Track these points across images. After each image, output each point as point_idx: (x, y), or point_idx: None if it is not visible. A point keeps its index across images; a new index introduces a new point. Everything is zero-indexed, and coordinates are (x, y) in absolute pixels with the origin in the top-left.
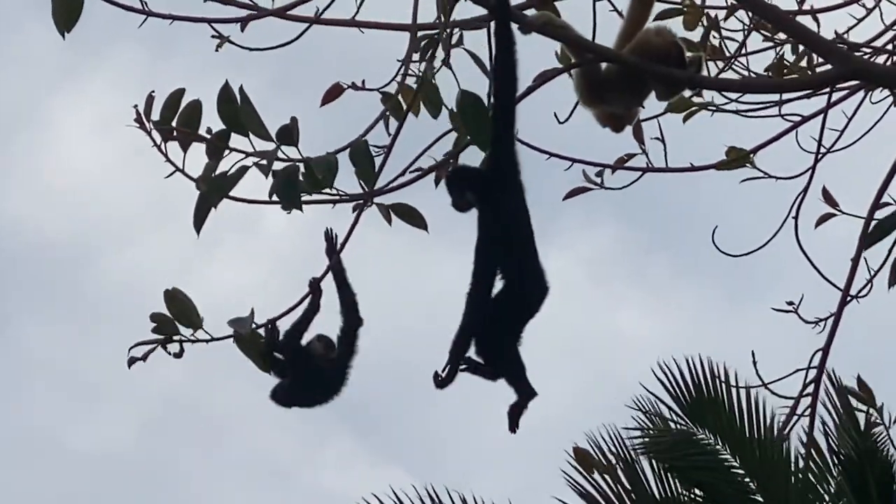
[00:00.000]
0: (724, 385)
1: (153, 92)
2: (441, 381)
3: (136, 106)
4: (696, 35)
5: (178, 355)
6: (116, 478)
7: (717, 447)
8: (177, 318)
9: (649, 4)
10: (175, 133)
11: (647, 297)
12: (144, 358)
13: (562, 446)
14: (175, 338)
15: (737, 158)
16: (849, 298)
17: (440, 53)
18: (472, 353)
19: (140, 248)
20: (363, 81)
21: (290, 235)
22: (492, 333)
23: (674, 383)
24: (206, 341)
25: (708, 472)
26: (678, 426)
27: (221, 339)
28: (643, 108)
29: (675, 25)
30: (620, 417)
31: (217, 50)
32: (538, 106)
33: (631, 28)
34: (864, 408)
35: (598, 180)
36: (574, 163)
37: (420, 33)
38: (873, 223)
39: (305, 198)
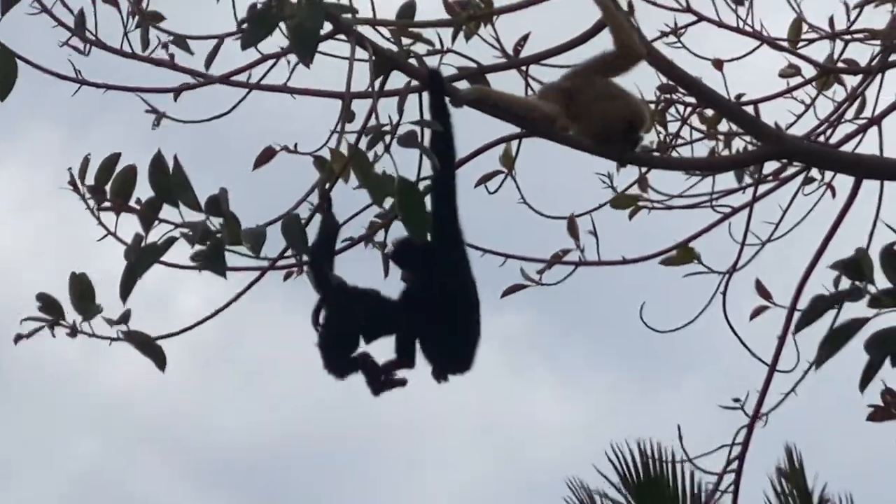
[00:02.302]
0: (662, 464)
1: (89, 155)
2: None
3: (70, 168)
4: None
5: (72, 335)
6: None
7: None
8: (74, 301)
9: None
10: (109, 200)
11: (561, 380)
12: (29, 336)
13: None
14: (62, 322)
15: (684, 255)
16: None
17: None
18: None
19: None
20: (295, 145)
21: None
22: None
23: (622, 466)
24: (99, 336)
25: None
26: None
27: (115, 340)
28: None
29: None
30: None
31: (154, 128)
32: (467, 194)
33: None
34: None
35: (537, 277)
36: (508, 258)
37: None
38: (796, 314)
39: (238, 263)
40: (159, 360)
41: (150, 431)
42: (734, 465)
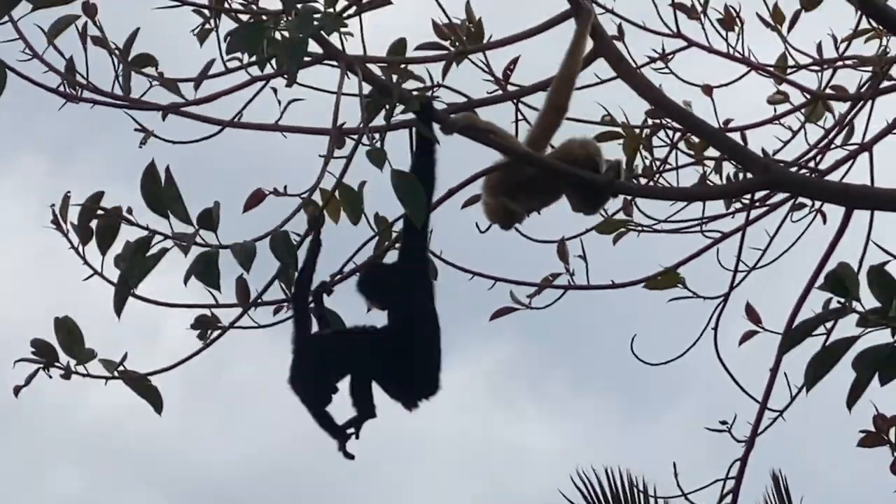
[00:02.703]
0: (644, 496)
1: (69, 192)
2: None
3: (52, 206)
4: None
5: (66, 377)
6: None
7: None
8: (63, 346)
9: (562, 112)
10: (94, 234)
11: (547, 410)
12: (27, 383)
13: None
14: (56, 364)
15: (668, 280)
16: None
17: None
18: None
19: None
20: (285, 187)
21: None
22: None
23: (592, 495)
24: (93, 376)
25: None
26: None
27: (111, 379)
28: (539, 213)
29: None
30: None
31: (141, 146)
32: (456, 220)
33: (539, 133)
34: None
35: (526, 301)
36: (497, 281)
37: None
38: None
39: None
40: (155, 401)
41: (135, 463)
42: (728, 500)
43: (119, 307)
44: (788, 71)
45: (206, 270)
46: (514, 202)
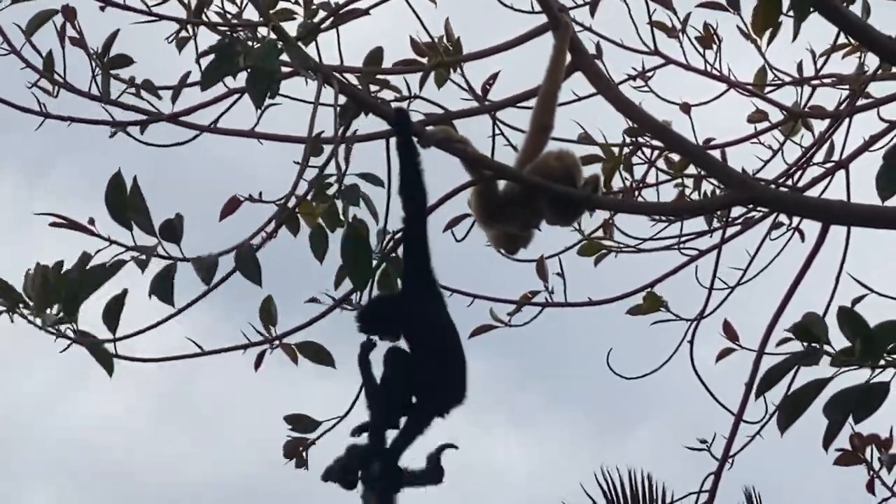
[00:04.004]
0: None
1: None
2: None
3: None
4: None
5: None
6: None
7: None
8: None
9: (548, 131)
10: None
11: (520, 426)
12: None
13: None
14: (19, 309)
15: (651, 304)
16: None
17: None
18: None
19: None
20: (260, 194)
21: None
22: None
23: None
24: (49, 331)
25: None
26: None
27: (61, 337)
28: (539, 230)
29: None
30: None
31: (111, 137)
32: (435, 234)
33: (528, 154)
34: None
35: (506, 319)
36: (475, 298)
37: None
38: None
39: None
40: (107, 364)
41: (109, 476)
42: None
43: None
44: (767, 89)
45: (161, 285)
46: (504, 224)
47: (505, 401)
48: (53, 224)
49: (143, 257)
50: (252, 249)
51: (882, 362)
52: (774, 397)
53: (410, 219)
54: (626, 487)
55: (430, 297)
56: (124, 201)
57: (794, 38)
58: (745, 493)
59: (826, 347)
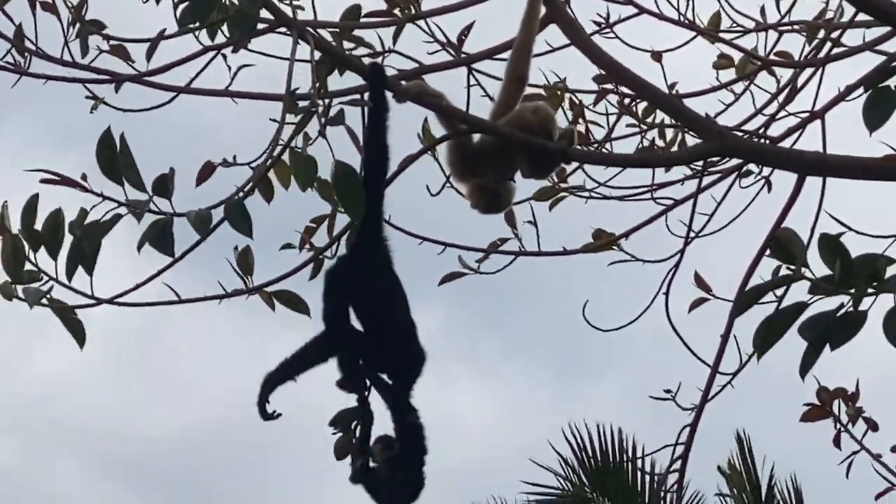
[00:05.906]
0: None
1: (5, 202)
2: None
3: None
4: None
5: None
6: None
7: None
8: (4, 262)
9: (523, 82)
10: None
11: (478, 376)
12: None
13: None
14: None
15: (604, 242)
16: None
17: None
18: None
19: None
20: (234, 157)
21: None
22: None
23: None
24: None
25: None
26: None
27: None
28: (514, 182)
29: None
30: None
31: (92, 112)
32: (408, 184)
33: (503, 108)
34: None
35: (475, 266)
36: (447, 247)
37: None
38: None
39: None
40: (78, 334)
41: (70, 432)
42: (677, 465)
43: (71, 273)
44: (732, 36)
45: (160, 237)
46: (481, 177)
47: (466, 348)
48: (45, 181)
49: (138, 211)
50: (241, 201)
51: (870, 290)
52: (747, 346)
53: (368, 175)
54: (594, 441)
55: (375, 259)
56: (115, 158)
57: None
58: (736, 438)
59: (805, 272)
